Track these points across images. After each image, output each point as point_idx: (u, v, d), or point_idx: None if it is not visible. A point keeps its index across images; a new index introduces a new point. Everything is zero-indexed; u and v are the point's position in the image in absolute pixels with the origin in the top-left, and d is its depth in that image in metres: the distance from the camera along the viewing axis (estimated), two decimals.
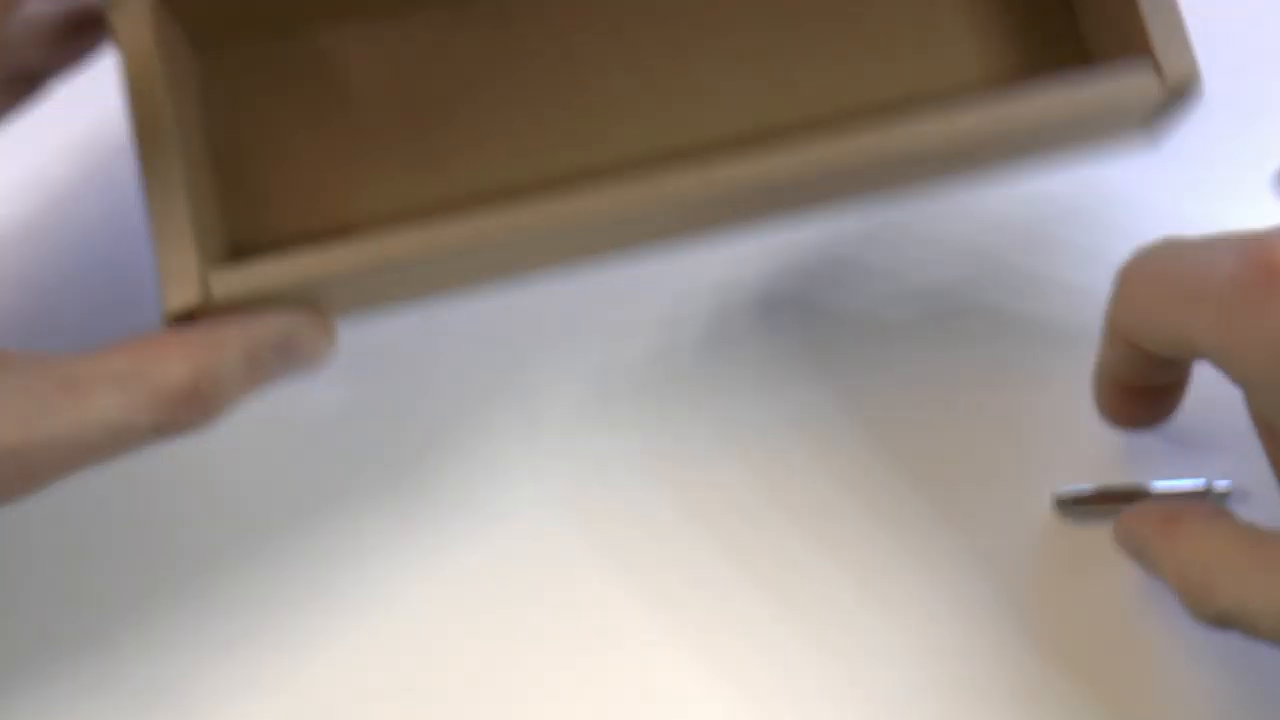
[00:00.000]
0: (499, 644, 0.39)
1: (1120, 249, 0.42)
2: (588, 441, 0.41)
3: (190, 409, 0.35)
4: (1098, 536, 0.40)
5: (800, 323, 0.42)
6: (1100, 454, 0.40)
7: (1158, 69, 0.35)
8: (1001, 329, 0.42)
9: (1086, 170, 0.43)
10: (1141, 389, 0.37)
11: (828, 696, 0.38)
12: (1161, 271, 0.33)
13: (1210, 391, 0.41)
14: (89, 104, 0.42)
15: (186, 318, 0.35)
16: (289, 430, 0.41)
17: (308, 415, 0.41)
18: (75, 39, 0.38)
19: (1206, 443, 0.40)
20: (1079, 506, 0.40)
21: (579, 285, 0.41)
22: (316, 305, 0.37)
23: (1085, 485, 0.40)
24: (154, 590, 0.40)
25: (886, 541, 0.40)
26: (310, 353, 0.38)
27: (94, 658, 0.39)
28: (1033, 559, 0.39)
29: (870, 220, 0.42)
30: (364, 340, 0.41)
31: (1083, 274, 0.43)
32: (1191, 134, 0.43)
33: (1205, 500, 0.39)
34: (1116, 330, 0.35)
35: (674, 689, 0.39)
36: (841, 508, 0.40)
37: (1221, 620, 0.33)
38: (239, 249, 0.38)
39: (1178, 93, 0.35)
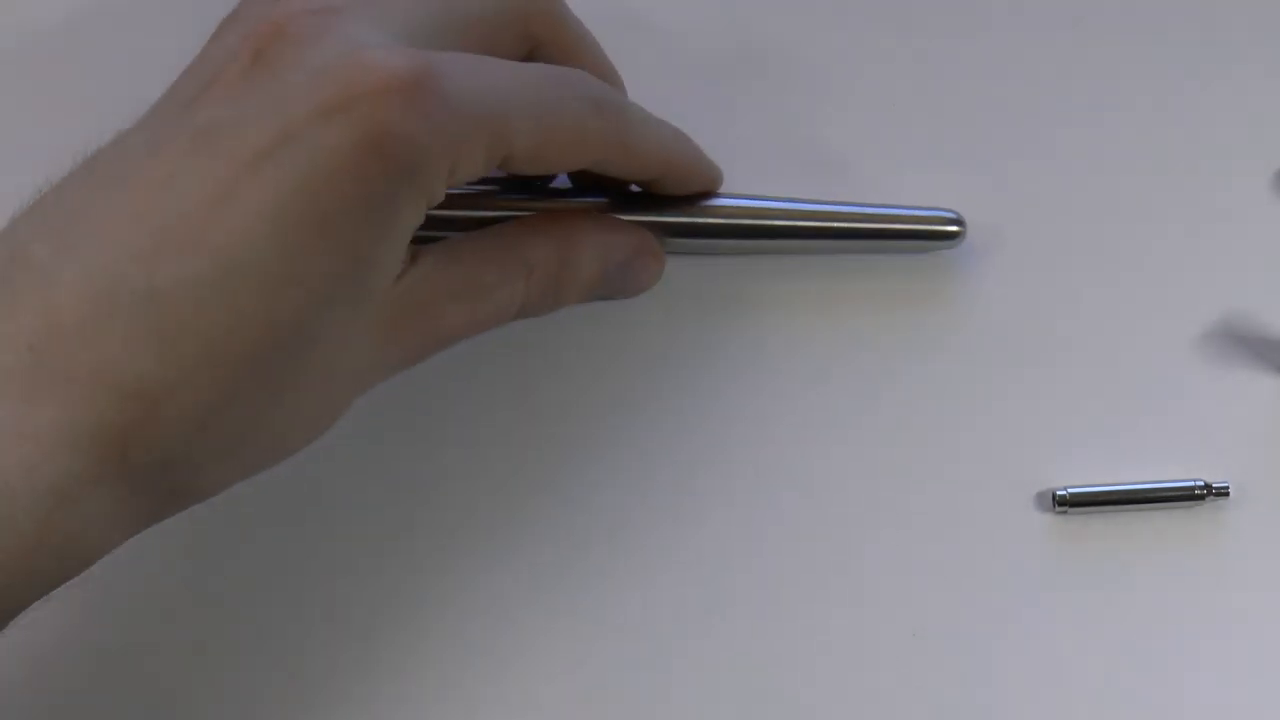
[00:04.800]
0: None
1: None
2: None
3: (545, 294, 0.39)
4: (1098, 536, 0.40)
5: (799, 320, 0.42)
6: (1100, 454, 0.40)
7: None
8: (1001, 327, 0.42)
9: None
10: None
11: (817, 691, 0.38)
12: None
13: (1209, 391, 0.41)
14: None
15: None
16: None
17: None
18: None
19: (1206, 443, 0.40)
20: (1079, 506, 0.40)
21: None
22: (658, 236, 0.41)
23: (1085, 485, 0.40)
24: None
25: (882, 539, 0.40)
26: (642, 279, 0.41)
27: None
28: (1033, 558, 0.39)
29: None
30: None
31: (1086, 274, 0.43)
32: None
33: (1204, 501, 0.39)
34: None
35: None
36: (837, 507, 0.40)
37: None
38: None
39: None
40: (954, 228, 0.41)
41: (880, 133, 0.44)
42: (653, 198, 0.41)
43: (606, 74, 0.41)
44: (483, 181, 0.40)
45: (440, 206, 0.37)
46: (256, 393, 0.33)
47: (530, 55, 0.39)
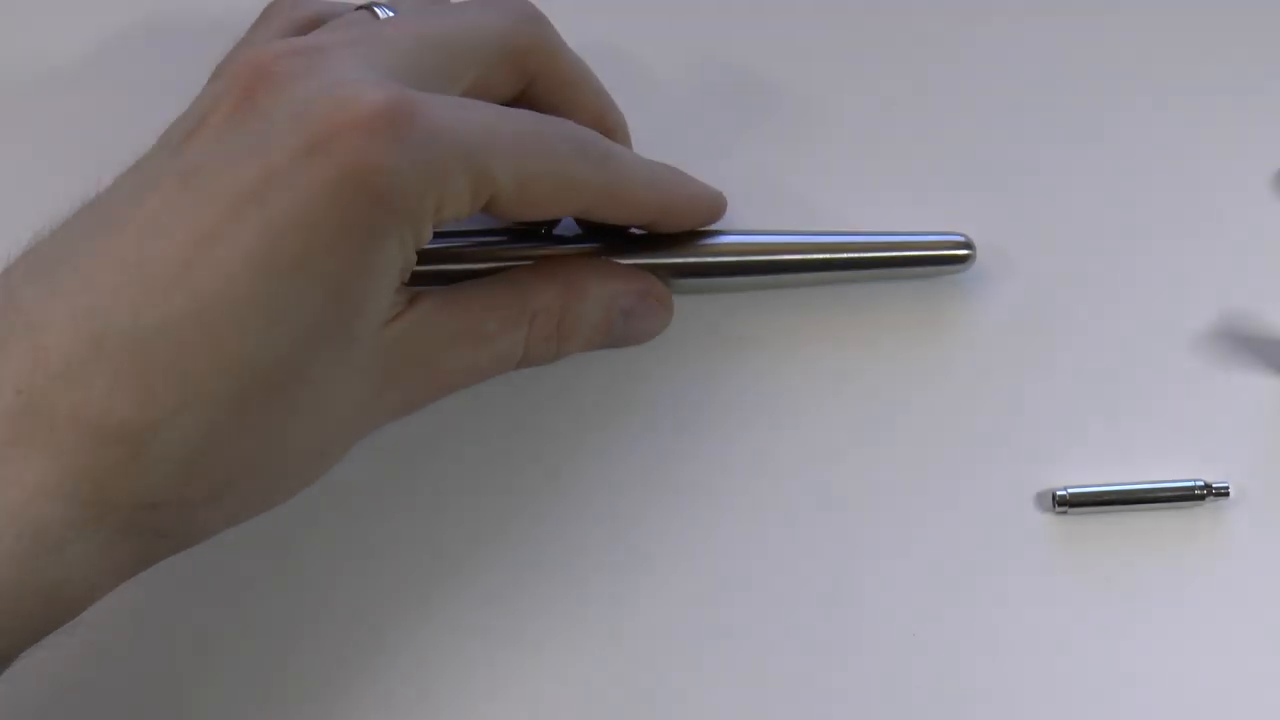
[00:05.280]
0: None
1: None
2: None
3: (548, 341, 0.38)
4: (1098, 536, 0.40)
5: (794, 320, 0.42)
6: (1100, 454, 0.40)
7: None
8: (1001, 328, 0.42)
9: None
10: None
11: (817, 691, 0.38)
12: None
13: (1209, 391, 0.41)
14: None
15: None
16: None
17: None
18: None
19: (1207, 443, 0.40)
20: (1079, 506, 0.40)
21: None
22: (665, 281, 0.40)
23: (1085, 485, 0.40)
24: None
25: (881, 538, 0.40)
26: (648, 327, 0.41)
27: None
28: (1033, 558, 0.39)
29: None
30: None
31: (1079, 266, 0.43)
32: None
33: (1204, 501, 0.40)
34: None
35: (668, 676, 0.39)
36: (837, 507, 0.40)
37: None
38: None
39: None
40: (963, 251, 0.41)
41: (875, 156, 0.44)
42: (656, 238, 0.40)
43: (605, 108, 0.40)
44: (490, 232, 0.40)
45: (445, 259, 0.36)
46: (243, 434, 0.32)
47: (526, 90, 0.38)
